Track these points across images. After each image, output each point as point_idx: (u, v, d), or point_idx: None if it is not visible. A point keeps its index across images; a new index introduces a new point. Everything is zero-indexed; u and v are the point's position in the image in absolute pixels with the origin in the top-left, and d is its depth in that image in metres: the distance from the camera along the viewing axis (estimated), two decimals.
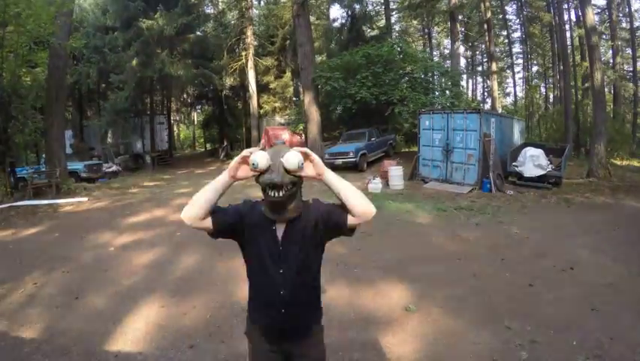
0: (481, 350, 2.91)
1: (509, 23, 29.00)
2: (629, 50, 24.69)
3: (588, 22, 11.27)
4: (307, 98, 14.55)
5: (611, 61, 24.20)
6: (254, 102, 21.25)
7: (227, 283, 4.22)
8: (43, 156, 13.18)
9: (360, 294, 3.91)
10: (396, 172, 10.18)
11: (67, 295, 4.02)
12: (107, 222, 7.14)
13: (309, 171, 1.48)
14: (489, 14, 20.83)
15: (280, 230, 1.52)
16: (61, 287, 4.24)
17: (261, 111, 23.27)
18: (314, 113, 14.35)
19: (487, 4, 20.99)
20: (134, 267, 4.80)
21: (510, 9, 28.77)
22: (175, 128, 37.95)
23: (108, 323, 3.43)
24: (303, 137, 17.27)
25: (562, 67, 21.25)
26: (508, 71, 32.36)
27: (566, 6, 22.81)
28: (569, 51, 22.16)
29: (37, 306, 3.79)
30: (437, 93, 15.54)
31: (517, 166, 10.08)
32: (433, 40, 34.63)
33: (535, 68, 31.90)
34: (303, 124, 16.83)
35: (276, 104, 23.69)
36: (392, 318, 3.43)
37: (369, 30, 24.01)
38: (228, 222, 1.53)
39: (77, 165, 13.51)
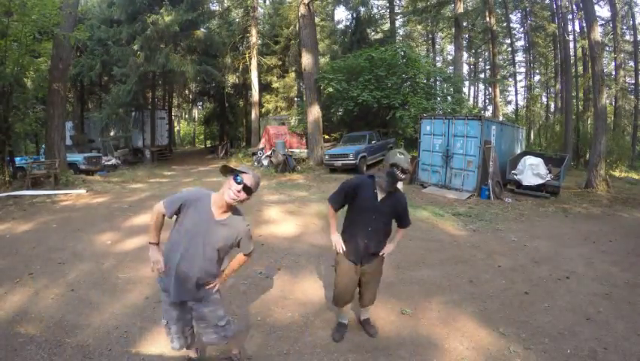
0: (476, 356, 2.92)
1: (513, 32, 29.14)
2: (631, 63, 24.82)
3: (593, 37, 11.34)
4: (309, 99, 14.55)
5: (614, 73, 24.33)
6: (256, 101, 21.27)
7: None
8: (43, 146, 13.16)
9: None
10: None
11: (62, 287, 4.00)
12: (106, 216, 7.13)
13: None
14: (493, 22, 20.91)
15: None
16: (57, 279, 4.22)
17: (263, 110, 23.29)
18: (316, 115, 14.36)
19: (492, 12, 21.07)
20: (131, 261, 4.79)
21: (514, 17, 28.95)
22: (175, 124, 37.92)
23: (102, 316, 3.42)
24: (304, 137, 17.28)
25: (564, 77, 21.35)
26: (510, 79, 32.51)
27: (570, 17, 22.95)
28: (571, 62, 22.27)
29: (32, 297, 3.78)
30: (439, 99, 15.58)
31: (516, 174, 10.11)
32: (437, 46, 34.78)
33: (537, 78, 32.07)
34: (304, 124, 16.84)
35: (278, 104, 23.73)
36: (387, 321, 3.43)
37: (373, 33, 24.08)
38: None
39: (77, 157, 13.48)
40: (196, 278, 2.20)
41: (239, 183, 2.11)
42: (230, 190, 2.11)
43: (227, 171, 2.16)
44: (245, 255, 2.41)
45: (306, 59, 14.48)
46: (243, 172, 2.13)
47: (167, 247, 2.25)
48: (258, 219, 6.69)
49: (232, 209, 2.24)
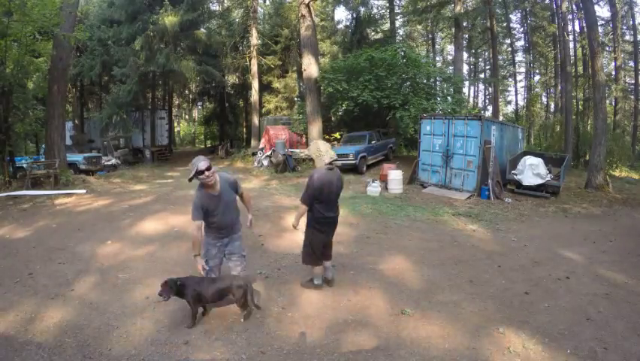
0: (476, 356, 2.92)
1: (513, 32, 29.13)
2: (631, 63, 24.82)
3: (593, 37, 11.34)
4: (309, 99, 14.55)
5: (614, 73, 24.33)
6: (256, 101, 21.27)
7: None
8: (43, 146, 13.15)
9: (357, 297, 3.91)
10: (395, 176, 10.18)
11: (62, 287, 4.01)
12: (107, 217, 7.13)
13: None
14: (494, 22, 20.90)
15: None
16: (57, 279, 4.22)
17: (263, 110, 23.29)
18: (315, 115, 14.35)
19: (493, 13, 21.05)
20: (130, 260, 4.79)
21: (514, 17, 28.93)
22: (175, 125, 37.91)
23: (103, 316, 3.43)
24: (304, 137, 17.29)
25: (564, 77, 21.34)
26: (510, 79, 32.50)
27: (570, 17, 22.95)
28: (571, 62, 22.27)
29: (32, 297, 3.78)
30: (439, 99, 15.55)
31: (516, 174, 10.11)
32: (437, 46, 34.76)
33: (537, 78, 32.09)
34: (304, 125, 16.83)
35: (279, 104, 23.71)
36: (388, 321, 3.43)
37: (373, 33, 24.04)
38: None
39: (76, 157, 13.46)
40: (230, 222, 3.45)
41: (201, 173, 3.13)
42: (203, 181, 3.18)
43: (192, 179, 3.18)
44: (243, 194, 3.59)
45: (306, 60, 14.47)
46: (196, 167, 3.13)
47: (210, 222, 3.35)
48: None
49: (216, 183, 3.27)
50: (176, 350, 2.94)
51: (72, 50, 14.01)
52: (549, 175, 9.85)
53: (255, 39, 20.52)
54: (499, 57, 27.81)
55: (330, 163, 3.81)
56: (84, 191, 9.48)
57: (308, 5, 14.08)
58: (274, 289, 4.05)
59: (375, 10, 24.65)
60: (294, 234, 6.01)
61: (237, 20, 23.25)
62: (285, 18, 22.32)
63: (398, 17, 25.34)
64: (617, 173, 16.31)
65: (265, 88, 23.49)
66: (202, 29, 21.08)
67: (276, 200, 8.59)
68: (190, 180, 3.19)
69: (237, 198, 3.57)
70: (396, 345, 3.05)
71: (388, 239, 5.94)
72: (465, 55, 26.08)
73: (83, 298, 3.76)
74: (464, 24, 20.90)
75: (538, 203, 9.14)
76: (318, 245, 3.88)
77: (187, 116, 42.66)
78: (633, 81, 24.49)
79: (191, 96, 31.79)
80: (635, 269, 4.84)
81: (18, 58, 10.11)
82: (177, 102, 33.64)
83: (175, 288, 3.15)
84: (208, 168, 3.15)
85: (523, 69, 32.29)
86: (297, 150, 16.00)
